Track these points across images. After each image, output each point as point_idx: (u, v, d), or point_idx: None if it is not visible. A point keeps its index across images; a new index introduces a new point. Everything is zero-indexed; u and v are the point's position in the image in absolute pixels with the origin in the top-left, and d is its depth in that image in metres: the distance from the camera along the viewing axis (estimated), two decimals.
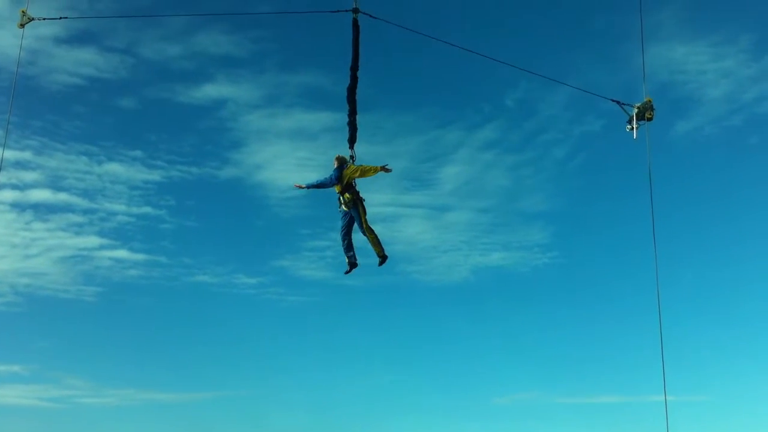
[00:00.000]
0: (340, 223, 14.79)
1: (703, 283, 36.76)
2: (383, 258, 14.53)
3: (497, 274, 38.00)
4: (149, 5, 26.16)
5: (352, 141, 14.30)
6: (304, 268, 36.99)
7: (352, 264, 14.78)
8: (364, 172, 14.20)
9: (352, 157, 14.37)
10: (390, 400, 34.84)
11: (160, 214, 36.64)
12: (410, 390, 34.84)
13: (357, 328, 36.55)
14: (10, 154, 32.18)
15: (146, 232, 36.37)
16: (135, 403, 33.40)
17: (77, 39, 35.85)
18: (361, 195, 14.52)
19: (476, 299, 37.31)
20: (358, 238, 14.78)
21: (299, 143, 37.97)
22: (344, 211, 14.65)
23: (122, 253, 35.53)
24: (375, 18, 14.32)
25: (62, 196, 35.34)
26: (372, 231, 14.50)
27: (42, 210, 35.17)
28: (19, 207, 35.03)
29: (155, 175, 36.58)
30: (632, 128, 15.35)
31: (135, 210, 36.16)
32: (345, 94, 14.35)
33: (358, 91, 14.28)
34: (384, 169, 14.12)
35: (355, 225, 14.66)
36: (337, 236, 14.87)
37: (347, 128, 14.28)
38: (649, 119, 15.24)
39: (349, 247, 14.76)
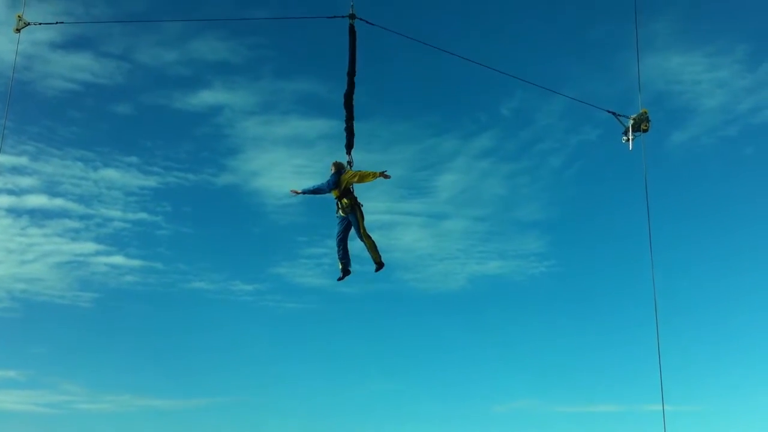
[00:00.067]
0: (336, 229, 14.71)
1: (700, 292, 36.78)
2: (380, 265, 14.48)
3: (494, 282, 37.88)
4: (145, 11, 26.21)
5: (349, 146, 14.28)
6: (301, 275, 36.90)
7: (346, 271, 14.72)
8: (363, 178, 14.13)
9: (349, 162, 14.35)
10: (387, 408, 34.72)
11: (157, 221, 36.49)
12: (408, 398, 34.73)
13: (354, 336, 36.48)
14: (6, 160, 32.07)
15: (142, 238, 36.20)
16: (131, 409, 33.24)
17: (73, 44, 35.75)
18: (359, 200, 14.47)
19: (473, 307, 37.17)
20: (355, 245, 14.73)
21: (296, 150, 37.94)
22: (342, 216, 14.58)
23: (118, 259, 35.38)
24: (372, 24, 14.29)
25: (58, 202, 35.22)
26: (369, 237, 14.45)
27: (38, 215, 35.02)
28: (15, 212, 34.89)
29: (151, 182, 36.46)
30: (628, 139, 15.24)
31: (131, 216, 35.99)
32: (342, 101, 14.33)
33: (354, 98, 14.26)
34: (383, 175, 14.04)
35: (352, 231, 14.59)
36: (333, 243, 14.79)
37: (344, 134, 14.26)
38: (645, 131, 15.12)
39: (344, 253, 14.70)
